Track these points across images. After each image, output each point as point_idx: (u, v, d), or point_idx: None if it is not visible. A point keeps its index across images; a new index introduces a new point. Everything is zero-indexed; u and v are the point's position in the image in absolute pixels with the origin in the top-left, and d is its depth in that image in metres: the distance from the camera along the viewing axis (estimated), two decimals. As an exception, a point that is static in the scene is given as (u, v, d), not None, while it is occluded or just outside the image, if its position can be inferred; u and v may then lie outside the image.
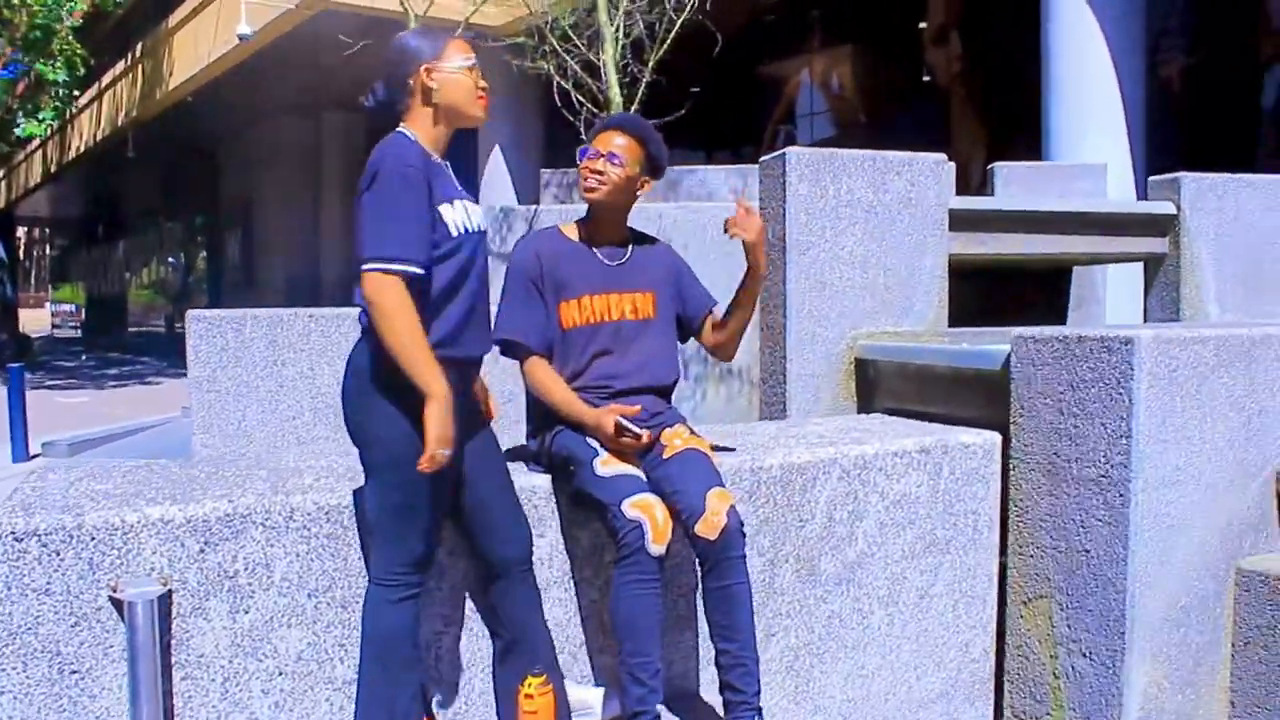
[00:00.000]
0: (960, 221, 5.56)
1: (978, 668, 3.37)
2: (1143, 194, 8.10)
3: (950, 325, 5.37)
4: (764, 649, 2.96)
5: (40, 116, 18.62)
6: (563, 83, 9.50)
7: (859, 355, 5.03)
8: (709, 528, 2.46)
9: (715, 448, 2.85)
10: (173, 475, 2.63)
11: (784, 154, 4.96)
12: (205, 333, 4.41)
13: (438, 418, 2.17)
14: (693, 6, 9.28)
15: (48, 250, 56.56)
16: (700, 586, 2.58)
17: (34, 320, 47.97)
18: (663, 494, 2.55)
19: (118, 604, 2.17)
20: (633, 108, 9.52)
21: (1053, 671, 3.85)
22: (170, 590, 2.23)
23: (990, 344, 4.20)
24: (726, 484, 2.60)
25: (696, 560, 2.56)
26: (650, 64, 9.52)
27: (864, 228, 5.01)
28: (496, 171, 16.21)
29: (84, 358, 29.69)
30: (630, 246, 2.89)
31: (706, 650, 2.76)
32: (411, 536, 2.28)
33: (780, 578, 2.97)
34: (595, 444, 2.58)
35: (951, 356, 4.50)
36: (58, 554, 2.15)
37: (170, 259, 33.87)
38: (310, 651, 2.39)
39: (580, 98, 9.44)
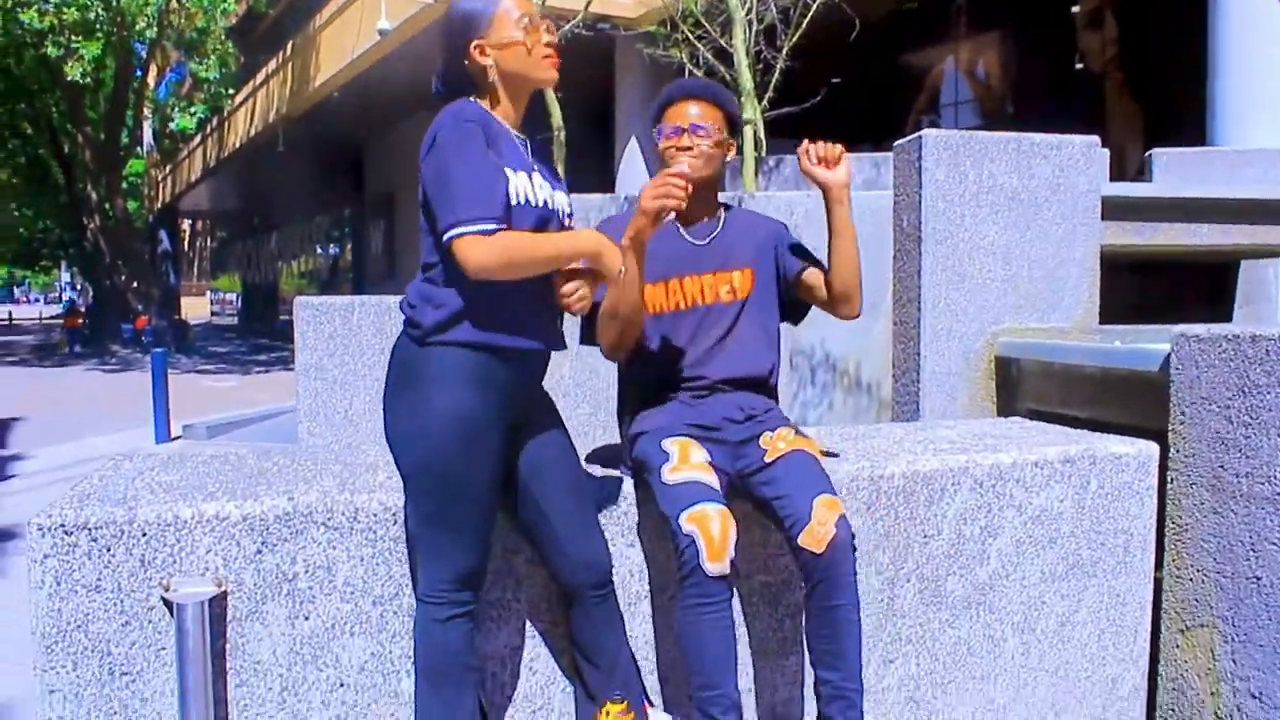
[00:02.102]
0: (1115, 210, 5.12)
1: (1126, 706, 2.98)
2: (1325, 181, 7.40)
3: (1101, 323, 4.94)
4: (881, 676, 2.67)
5: (192, 111, 19.47)
6: (695, 71, 9.28)
7: (999, 353, 4.67)
8: (815, 540, 2.15)
9: (825, 453, 2.56)
10: (246, 467, 2.49)
11: (919, 137, 4.62)
12: (313, 319, 4.34)
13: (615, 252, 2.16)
14: (829, -11, 8.95)
15: (209, 242, 59.31)
16: (804, 605, 2.29)
17: (195, 308, 50.55)
18: (765, 500, 2.27)
19: (169, 604, 2.03)
20: (766, 94, 9.24)
21: (1214, 711, 3.42)
22: (225, 592, 2.08)
23: (1148, 343, 3.79)
24: (838, 491, 2.29)
25: (802, 578, 2.27)
26: (784, 50, 9.21)
27: (1007, 216, 4.64)
28: (633, 162, 16.07)
29: (237, 343, 30.97)
30: (723, 218, 2.60)
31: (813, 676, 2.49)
32: (450, 548, 2.05)
33: (901, 598, 2.66)
34: (669, 446, 2.30)
35: (1102, 356, 4.09)
36: (108, 549, 2.02)
37: (319, 250, 35.06)
38: (374, 663, 2.21)
39: (714, 85, 9.20)
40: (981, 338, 4.64)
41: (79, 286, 59.54)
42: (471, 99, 2.14)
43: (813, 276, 2.59)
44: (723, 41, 8.81)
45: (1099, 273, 4.87)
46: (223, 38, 19.31)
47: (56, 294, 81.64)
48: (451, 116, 2.01)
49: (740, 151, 7.97)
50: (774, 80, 9.19)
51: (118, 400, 14.31)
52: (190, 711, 2.01)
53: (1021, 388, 4.59)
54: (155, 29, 18.65)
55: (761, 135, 9.10)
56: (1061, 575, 2.84)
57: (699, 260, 2.52)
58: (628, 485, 2.43)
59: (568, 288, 2.12)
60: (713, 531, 2.09)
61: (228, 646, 2.11)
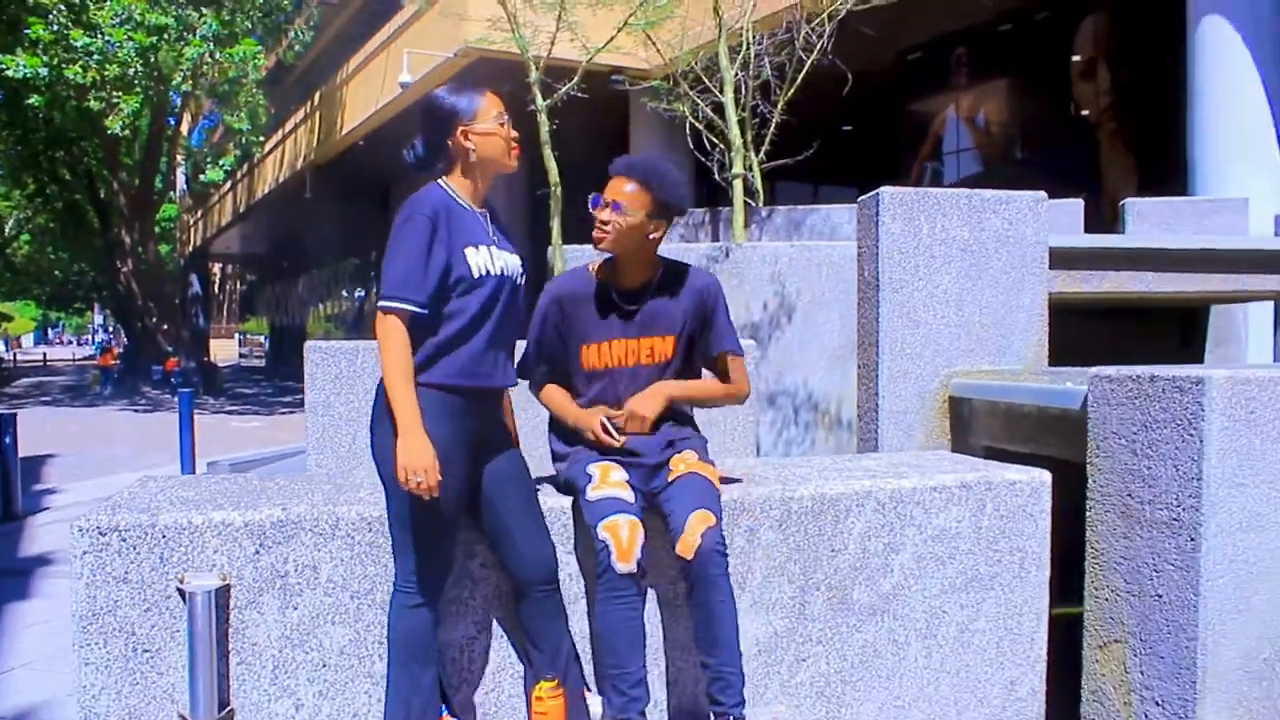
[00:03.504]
0: (1062, 259, 5.50)
1: (1024, 706, 3.36)
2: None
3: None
4: (794, 673, 3.07)
5: (221, 163, 20.23)
6: (695, 124, 9.79)
7: (953, 393, 5.04)
8: (685, 547, 2.58)
9: (724, 479, 2.96)
10: (250, 486, 2.95)
11: (877, 193, 5.04)
12: (321, 361, 4.80)
13: (404, 448, 2.40)
14: (822, 48, 9.42)
15: (238, 285, 60.40)
16: (686, 602, 2.70)
17: (224, 350, 51.46)
18: (663, 516, 2.69)
19: (183, 594, 2.48)
20: (763, 148, 9.72)
21: (1126, 718, 3.78)
22: (229, 585, 2.53)
23: (1071, 384, 4.19)
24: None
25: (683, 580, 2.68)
26: (779, 105, 9.70)
27: (959, 266, 5.02)
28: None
29: (264, 385, 31.62)
30: (652, 288, 2.91)
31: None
32: (417, 548, 2.50)
33: (811, 605, 3.06)
34: (592, 470, 2.71)
35: (1036, 395, 4.49)
36: (134, 548, 2.48)
37: (345, 293, 35.77)
38: (352, 647, 2.65)
39: (712, 138, 9.69)
40: (936, 379, 5.03)
41: (111, 329, 60.72)
42: (440, 180, 2.62)
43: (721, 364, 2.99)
44: (721, 97, 9.30)
45: (1047, 318, 5.25)
46: (254, 90, 20.09)
47: (90, 335, 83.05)
48: (410, 207, 2.51)
49: (731, 202, 8.45)
50: (769, 134, 9.67)
51: (146, 439, 14.88)
52: (199, 683, 2.46)
53: (974, 425, 4.97)
54: (190, 82, 19.46)
55: (758, 186, 9.59)
56: (961, 587, 3.24)
57: (625, 326, 2.89)
58: (561, 501, 2.86)
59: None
60: (622, 537, 2.54)
61: (230, 630, 2.56)
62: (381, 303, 2.45)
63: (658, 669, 2.89)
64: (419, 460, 2.39)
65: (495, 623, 2.78)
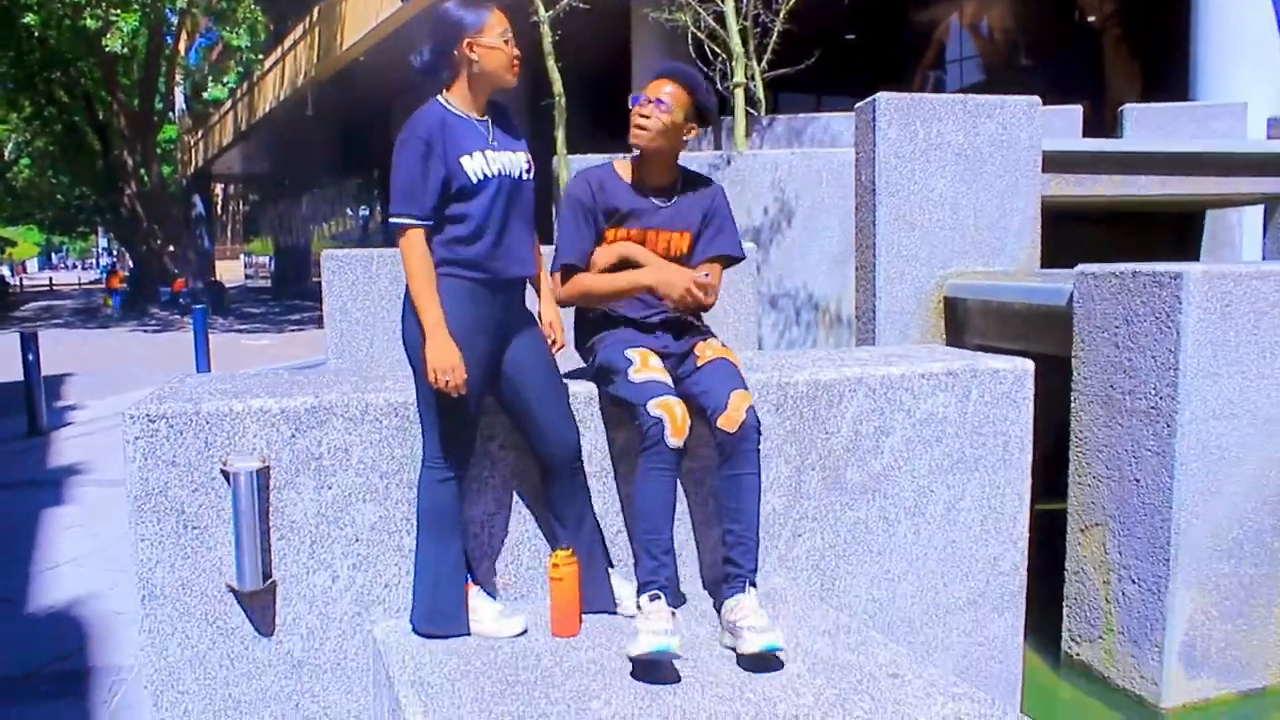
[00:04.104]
0: (1056, 164, 5.62)
1: (1007, 580, 3.60)
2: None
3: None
4: (791, 547, 3.31)
5: (225, 81, 20.14)
6: (697, 33, 9.81)
7: (948, 294, 5.22)
8: (729, 421, 2.78)
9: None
10: (282, 379, 3.16)
11: (874, 99, 5.16)
12: (337, 269, 5.00)
13: (432, 350, 2.62)
14: (822, -45, 9.40)
15: (241, 206, 60.19)
16: (716, 475, 2.90)
17: (229, 271, 51.53)
18: (693, 395, 2.87)
19: (227, 475, 2.71)
20: (764, 57, 9.75)
21: (1105, 596, 4.04)
22: (268, 466, 2.76)
23: (1058, 282, 4.36)
24: (751, 389, 2.90)
25: (717, 453, 2.87)
26: (781, 14, 9.71)
27: (954, 170, 5.16)
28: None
29: (271, 304, 31.82)
30: (677, 188, 3.10)
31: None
32: (442, 429, 2.72)
33: (807, 484, 3.28)
34: (632, 355, 2.89)
35: (1025, 294, 4.67)
36: (181, 433, 2.70)
37: (349, 211, 35.72)
38: (382, 523, 2.88)
39: (715, 47, 9.72)
40: (931, 280, 5.20)
41: (115, 252, 60.65)
42: (440, 95, 2.78)
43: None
44: (722, 7, 9.32)
45: (1040, 221, 5.40)
46: (252, 6, 19.91)
47: (94, 259, 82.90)
48: (407, 128, 2.68)
49: (732, 111, 8.52)
50: (771, 43, 9.71)
51: (159, 357, 15.12)
52: (244, 557, 2.70)
53: (968, 325, 5.16)
54: (186, -1, 19.33)
55: (760, 95, 9.66)
56: (947, 469, 3.45)
57: (649, 217, 3.06)
58: (581, 385, 3.06)
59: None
60: (676, 414, 2.74)
61: (270, 509, 2.79)
62: (390, 220, 2.66)
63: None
64: (445, 360, 2.60)
65: (513, 500, 3.01)
